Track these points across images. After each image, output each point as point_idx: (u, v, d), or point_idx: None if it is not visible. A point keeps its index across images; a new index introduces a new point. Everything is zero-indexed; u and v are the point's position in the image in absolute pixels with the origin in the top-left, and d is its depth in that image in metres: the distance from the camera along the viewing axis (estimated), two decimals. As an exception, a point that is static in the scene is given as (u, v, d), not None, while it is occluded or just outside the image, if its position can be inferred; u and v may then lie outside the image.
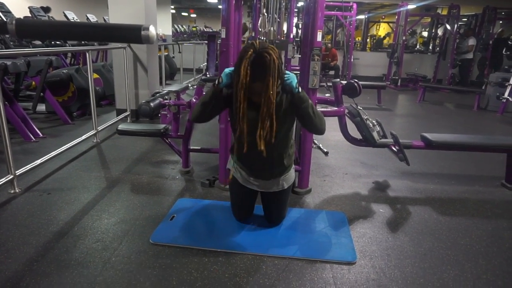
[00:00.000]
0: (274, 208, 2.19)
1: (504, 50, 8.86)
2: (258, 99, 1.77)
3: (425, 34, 14.07)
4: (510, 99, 6.07)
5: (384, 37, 15.17)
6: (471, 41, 8.51)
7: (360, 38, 14.01)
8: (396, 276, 1.80)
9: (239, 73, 1.70)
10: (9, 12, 5.66)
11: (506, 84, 6.10)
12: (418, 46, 11.65)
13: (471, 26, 9.56)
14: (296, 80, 1.84)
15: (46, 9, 7.17)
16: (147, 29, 3.56)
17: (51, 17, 7.28)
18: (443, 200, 2.70)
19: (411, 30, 10.26)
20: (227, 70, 1.88)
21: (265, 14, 2.87)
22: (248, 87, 1.72)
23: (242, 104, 1.76)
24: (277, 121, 1.79)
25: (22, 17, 6.02)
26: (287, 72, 1.84)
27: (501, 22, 10.84)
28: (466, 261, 1.95)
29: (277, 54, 1.72)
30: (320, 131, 1.94)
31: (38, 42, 5.98)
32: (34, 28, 3.52)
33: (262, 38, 2.86)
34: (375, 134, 2.79)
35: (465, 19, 10.35)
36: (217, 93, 1.90)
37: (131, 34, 3.63)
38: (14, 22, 3.09)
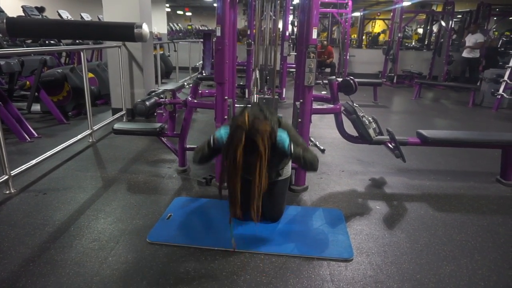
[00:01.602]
0: (271, 202, 2.20)
1: (498, 58, 8.81)
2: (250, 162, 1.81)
3: (420, 31, 14.13)
4: (504, 95, 6.10)
5: (379, 34, 15.21)
6: (479, 38, 7.96)
7: (355, 36, 14.04)
8: (393, 272, 1.81)
9: (234, 157, 1.74)
10: (2, 11, 5.62)
11: (501, 81, 6.13)
12: (413, 43, 11.70)
13: (476, 21, 9.27)
14: (287, 142, 1.87)
15: (40, 9, 7.12)
16: (140, 27, 3.55)
17: (45, 16, 7.22)
18: (439, 196, 2.72)
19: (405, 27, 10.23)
20: (220, 135, 1.92)
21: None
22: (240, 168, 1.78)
23: (237, 184, 1.81)
24: (270, 169, 1.89)
25: (15, 16, 5.98)
26: (278, 134, 1.86)
27: (495, 18, 10.89)
28: (462, 256, 1.96)
29: (267, 133, 1.75)
30: (312, 171, 2.11)
31: (32, 42, 5.93)
32: (25, 27, 3.49)
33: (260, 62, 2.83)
34: (371, 131, 2.79)
35: (460, 16, 10.38)
36: (212, 151, 2.02)
37: (124, 32, 3.62)
38: (4, 20, 3.06)
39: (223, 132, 1.91)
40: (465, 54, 8.26)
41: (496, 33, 12.78)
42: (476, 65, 8.36)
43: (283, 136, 1.87)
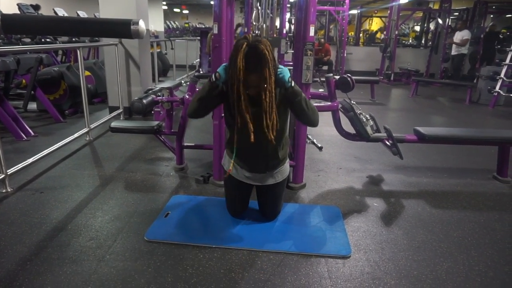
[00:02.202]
0: (269, 202, 2.20)
1: (496, 43, 8.88)
2: (254, 92, 1.79)
3: (417, 28, 14.15)
4: (501, 92, 6.13)
5: (376, 32, 15.22)
6: (466, 34, 8.02)
7: (353, 33, 14.03)
8: (390, 269, 1.82)
9: (235, 66, 1.70)
10: (-3, 9, 5.57)
11: (497, 78, 6.15)
12: (410, 41, 11.71)
13: (463, 19, 9.34)
14: (288, 74, 1.84)
15: (36, 7, 7.06)
16: (137, 23, 3.53)
17: (40, 14, 7.17)
18: (436, 193, 2.73)
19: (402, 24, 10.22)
20: (223, 65, 1.87)
21: (259, 8, 2.85)
22: (245, 80, 1.73)
23: (243, 96, 1.76)
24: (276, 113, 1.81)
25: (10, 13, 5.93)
26: (280, 66, 1.84)
27: (492, 16, 10.92)
28: (458, 253, 1.97)
29: (270, 47, 1.73)
30: (313, 123, 1.97)
31: (28, 40, 5.89)
32: (21, 24, 3.45)
33: (256, 32, 2.84)
34: (368, 129, 2.80)
35: (457, 13, 10.40)
36: (213, 89, 1.89)
37: (121, 29, 3.59)
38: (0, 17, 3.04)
39: (224, 65, 1.85)
40: (453, 51, 8.26)
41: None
42: (460, 62, 8.36)
43: (284, 69, 1.83)
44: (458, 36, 8.05)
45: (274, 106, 1.79)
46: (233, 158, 2.01)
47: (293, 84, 1.85)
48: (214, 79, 1.87)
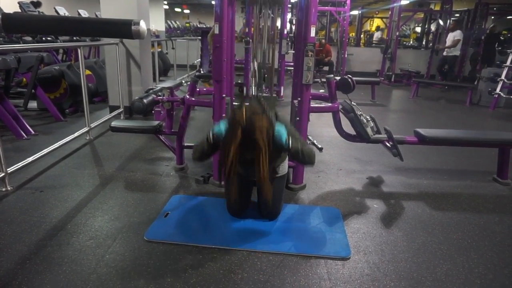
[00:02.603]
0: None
1: (496, 45, 8.87)
2: (250, 155, 1.81)
3: (418, 29, 14.16)
4: (502, 94, 6.12)
5: (373, 34, 15.22)
6: (457, 35, 7.91)
7: (353, 34, 14.03)
8: (390, 271, 1.82)
9: (229, 152, 1.75)
10: (-2, 7, 5.57)
11: (498, 80, 6.14)
12: (411, 42, 11.70)
13: (456, 19, 9.23)
14: (285, 135, 1.86)
15: (36, 4, 7.06)
16: (138, 24, 3.52)
17: (42, 12, 7.17)
18: (436, 195, 2.73)
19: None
20: (219, 126, 1.92)
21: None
22: (239, 158, 1.79)
23: (232, 178, 1.85)
24: (270, 162, 1.86)
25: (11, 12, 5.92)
26: (276, 128, 1.86)
27: (493, 17, 10.91)
28: (458, 255, 1.97)
29: (264, 128, 1.75)
30: (309, 165, 2.10)
31: (28, 38, 5.89)
32: (21, 23, 3.45)
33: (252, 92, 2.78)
34: (369, 130, 2.80)
35: (458, 15, 10.40)
36: (210, 147, 1.99)
37: (122, 29, 3.59)
38: (0, 16, 3.03)
39: (222, 127, 1.90)
40: (444, 52, 8.21)
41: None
42: (453, 63, 8.31)
43: (280, 130, 1.86)
44: (450, 37, 8.02)
45: (268, 173, 1.83)
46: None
47: (290, 145, 1.88)
48: (211, 140, 1.94)
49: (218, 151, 2.05)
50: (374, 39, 13.63)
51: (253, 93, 2.43)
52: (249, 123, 1.72)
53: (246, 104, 1.81)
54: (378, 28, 15.10)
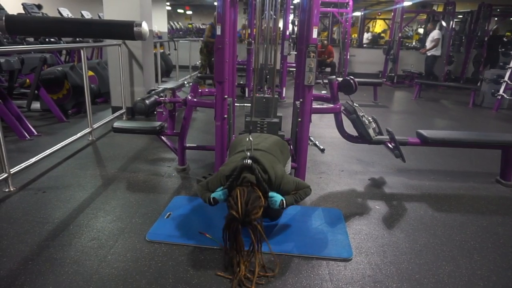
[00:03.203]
0: None
1: (499, 47, 8.83)
2: None
3: (421, 31, 14.14)
4: (505, 96, 6.10)
5: (379, 34, 15.20)
6: (435, 35, 7.96)
7: (356, 35, 14.01)
8: (391, 272, 1.81)
9: (233, 244, 1.78)
10: (2, 8, 5.61)
11: (501, 81, 6.12)
12: (414, 43, 11.66)
13: (435, 20, 9.17)
14: (278, 202, 1.90)
15: (38, 7, 7.10)
16: (140, 25, 3.54)
17: (45, 14, 7.21)
18: (439, 197, 2.72)
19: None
20: (218, 196, 1.92)
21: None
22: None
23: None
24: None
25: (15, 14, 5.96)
26: (270, 195, 1.89)
27: (496, 19, 10.87)
28: (461, 256, 1.96)
29: (260, 213, 1.80)
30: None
31: (32, 39, 5.92)
32: (25, 24, 3.48)
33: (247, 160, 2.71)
34: (371, 131, 2.79)
35: (461, 16, 10.37)
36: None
37: (124, 31, 3.62)
38: (4, 18, 3.05)
39: (221, 193, 1.92)
40: (429, 53, 8.23)
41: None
42: (432, 63, 8.34)
43: (273, 199, 1.90)
44: (430, 38, 8.10)
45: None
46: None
47: (285, 206, 1.93)
48: (212, 202, 1.95)
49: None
50: (364, 41, 13.62)
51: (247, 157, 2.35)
52: (245, 216, 1.74)
53: (240, 188, 1.82)
54: (368, 30, 15.12)
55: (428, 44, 8.16)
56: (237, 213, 1.73)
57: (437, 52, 8.12)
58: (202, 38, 7.29)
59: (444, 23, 9.20)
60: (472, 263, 1.91)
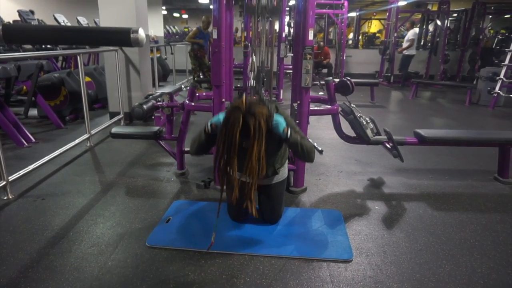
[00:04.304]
0: (270, 203, 2.20)
1: (493, 58, 8.85)
2: (246, 145, 1.80)
3: (416, 30, 14.19)
4: (501, 93, 6.13)
5: (375, 34, 15.25)
6: (410, 35, 8.04)
7: (349, 36, 14.05)
8: (392, 272, 1.82)
9: (231, 138, 1.73)
10: (-2, 16, 5.60)
11: (497, 79, 6.15)
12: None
13: (413, 21, 9.28)
14: (283, 125, 1.86)
15: (31, 13, 7.10)
16: (136, 32, 3.56)
17: (41, 20, 7.21)
18: (437, 196, 2.72)
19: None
20: (217, 117, 1.92)
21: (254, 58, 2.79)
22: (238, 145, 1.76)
23: (232, 167, 1.79)
24: (267, 154, 1.85)
25: (11, 21, 5.97)
26: (275, 118, 1.86)
27: (490, 16, 10.94)
28: (461, 255, 1.97)
29: (264, 115, 1.76)
30: (308, 160, 2.03)
31: (28, 46, 5.91)
32: (22, 33, 3.49)
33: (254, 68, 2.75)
34: (368, 132, 2.80)
35: (455, 15, 10.42)
36: (209, 138, 1.98)
37: (121, 38, 3.63)
38: (1, 27, 3.06)
39: (221, 117, 1.89)
40: (405, 52, 8.35)
41: (492, 31, 12.83)
42: (406, 62, 8.42)
43: (279, 120, 1.86)
44: (405, 38, 8.24)
45: (262, 158, 1.80)
46: (214, 230, 2.00)
47: (289, 135, 1.87)
48: (209, 131, 1.95)
49: (215, 145, 2.03)
50: (350, 42, 13.67)
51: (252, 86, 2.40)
52: (249, 110, 1.72)
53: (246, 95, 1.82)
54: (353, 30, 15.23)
55: (404, 44, 8.28)
56: (240, 104, 1.71)
57: (411, 51, 8.23)
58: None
59: (439, 22, 9.25)
60: (472, 262, 1.91)
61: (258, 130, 1.73)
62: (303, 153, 1.94)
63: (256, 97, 1.82)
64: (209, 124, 1.96)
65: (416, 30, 8.12)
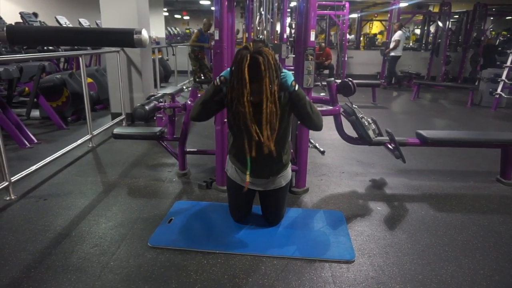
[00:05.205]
0: (272, 207, 2.20)
1: (496, 55, 8.86)
2: (256, 99, 1.79)
3: (417, 31, 14.21)
4: (503, 94, 6.12)
5: (375, 35, 15.26)
6: (396, 36, 8.07)
7: (353, 31, 14.07)
8: (394, 273, 1.81)
9: (241, 78, 1.71)
10: (0, 18, 5.62)
11: (499, 80, 6.14)
12: (411, 44, 11.70)
13: (401, 24, 9.30)
14: (292, 78, 1.85)
15: (34, 15, 7.12)
16: (140, 32, 3.57)
17: (43, 22, 7.23)
18: (440, 197, 2.72)
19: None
20: (227, 70, 1.88)
21: (262, 13, 2.85)
22: (249, 91, 1.73)
23: (247, 108, 1.76)
24: (278, 119, 1.82)
25: (13, 23, 5.99)
26: (283, 70, 1.85)
27: (491, 18, 10.93)
28: (463, 256, 1.96)
29: (272, 55, 1.74)
30: (317, 126, 1.96)
31: (30, 48, 5.92)
32: (25, 35, 3.50)
33: (260, 36, 2.82)
34: (370, 132, 2.80)
35: (457, 16, 10.43)
36: (217, 92, 1.92)
37: (124, 38, 3.64)
38: (5, 29, 3.07)
39: (229, 70, 1.86)
40: (392, 53, 8.37)
41: (494, 32, 12.83)
42: (392, 63, 8.45)
43: (287, 73, 1.83)
44: (392, 39, 8.26)
45: (275, 116, 1.79)
46: (248, 169, 1.97)
47: (296, 88, 1.86)
48: (218, 83, 1.89)
49: (220, 108, 2.02)
50: (349, 43, 13.69)
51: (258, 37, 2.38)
52: (256, 50, 1.70)
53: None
54: (350, 32, 15.25)
55: (391, 45, 8.32)
56: (247, 46, 1.69)
57: (397, 52, 8.25)
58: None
59: (440, 23, 9.25)
60: (475, 263, 1.91)
61: (268, 66, 1.70)
62: (311, 114, 1.88)
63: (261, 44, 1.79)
64: (218, 78, 1.90)
65: (401, 32, 8.17)
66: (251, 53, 1.70)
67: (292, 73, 1.91)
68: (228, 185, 2.22)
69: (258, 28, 2.82)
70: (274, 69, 1.74)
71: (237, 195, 2.16)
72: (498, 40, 10.55)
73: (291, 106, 1.92)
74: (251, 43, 1.75)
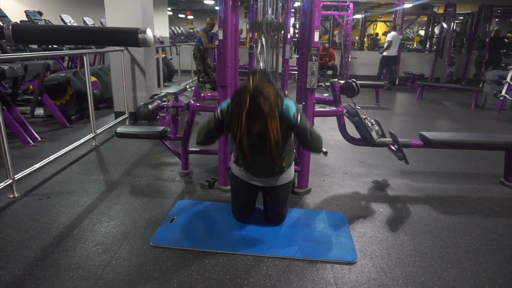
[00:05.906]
0: (275, 205, 2.20)
1: (501, 49, 8.83)
2: (256, 130, 1.78)
3: (422, 32, 14.16)
4: (507, 96, 6.08)
5: (377, 35, 15.23)
6: (389, 37, 8.20)
7: (357, 37, 14.04)
8: (396, 275, 1.81)
9: (238, 121, 1.71)
10: (5, 16, 5.65)
11: (504, 82, 6.11)
12: (415, 45, 11.66)
13: (395, 25, 9.33)
14: (293, 110, 1.83)
15: (39, 14, 7.16)
16: (144, 32, 3.58)
17: (48, 21, 7.26)
18: (443, 199, 2.71)
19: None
20: (226, 105, 1.89)
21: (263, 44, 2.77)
22: (248, 129, 1.74)
23: (244, 145, 1.79)
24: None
25: (18, 22, 6.02)
26: (285, 100, 1.84)
27: (497, 20, 10.87)
28: (466, 259, 1.95)
29: (273, 92, 1.73)
30: (317, 151, 2.02)
31: (35, 46, 5.96)
32: (31, 33, 3.52)
33: (261, 64, 2.74)
34: (373, 134, 2.79)
35: (462, 17, 10.38)
36: (219, 124, 1.94)
37: (129, 38, 3.66)
38: (10, 27, 3.09)
39: (227, 104, 1.87)
40: (385, 53, 8.40)
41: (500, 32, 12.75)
42: (383, 63, 8.48)
43: (289, 105, 1.83)
44: (386, 39, 8.37)
45: (278, 145, 1.81)
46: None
47: (299, 120, 1.84)
48: (219, 116, 1.91)
49: (223, 133, 2.06)
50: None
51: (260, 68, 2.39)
52: (256, 90, 1.68)
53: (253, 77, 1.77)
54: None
55: (384, 45, 8.39)
56: (247, 85, 1.68)
57: (390, 52, 8.27)
58: (199, 43, 7.37)
59: (445, 25, 9.22)
60: (478, 266, 1.90)
61: (270, 108, 1.69)
62: (311, 141, 1.90)
63: (263, 77, 1.78)
64: (218, 110, 1.92)
65: (395, 33, 8.23)
66: (251, 94, 1.68)
67: (295, 105, 1.88)
68: (232, 182, 2.23)
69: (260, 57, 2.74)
70: (276, 105, 1.73)
71: (241, 192, 2.18)
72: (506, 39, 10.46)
73: (291, 130, 1.95)
74: (251, 80, 1.72)
